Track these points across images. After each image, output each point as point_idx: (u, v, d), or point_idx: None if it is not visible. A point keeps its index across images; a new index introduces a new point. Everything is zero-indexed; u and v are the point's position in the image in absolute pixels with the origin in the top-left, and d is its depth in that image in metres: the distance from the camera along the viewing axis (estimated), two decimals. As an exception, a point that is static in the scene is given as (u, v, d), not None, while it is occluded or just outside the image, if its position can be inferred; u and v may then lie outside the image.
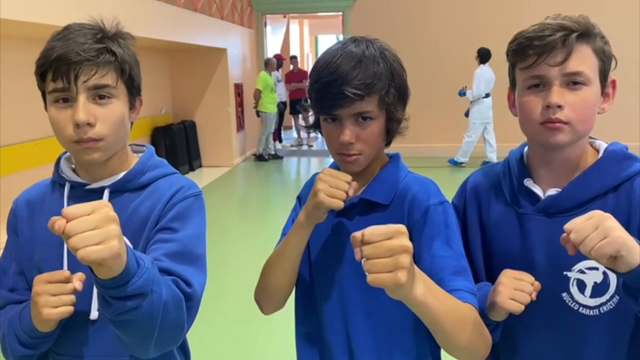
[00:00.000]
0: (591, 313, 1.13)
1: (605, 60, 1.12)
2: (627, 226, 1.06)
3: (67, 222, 0.85)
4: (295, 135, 12.41)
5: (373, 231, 0.89)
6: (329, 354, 1.22)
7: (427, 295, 0.96)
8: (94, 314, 1.14)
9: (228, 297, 3.95)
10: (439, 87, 8.79)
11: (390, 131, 1.19)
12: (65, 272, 1.07)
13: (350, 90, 1.09)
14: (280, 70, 10.97)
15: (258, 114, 9.83)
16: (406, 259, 0.88)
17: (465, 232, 1.26)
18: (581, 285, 1.13)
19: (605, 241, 0.92)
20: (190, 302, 1.08)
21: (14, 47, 5.15)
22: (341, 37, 13.21)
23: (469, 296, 1.07)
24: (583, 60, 1.09)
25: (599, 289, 1.12)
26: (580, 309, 1.13)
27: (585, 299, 1.13)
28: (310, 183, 1.23)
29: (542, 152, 1.17)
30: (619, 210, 1.10)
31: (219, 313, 3.74)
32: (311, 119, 1.24)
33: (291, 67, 12.25)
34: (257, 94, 9.61)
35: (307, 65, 15.73)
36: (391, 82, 1.14)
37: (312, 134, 12.20)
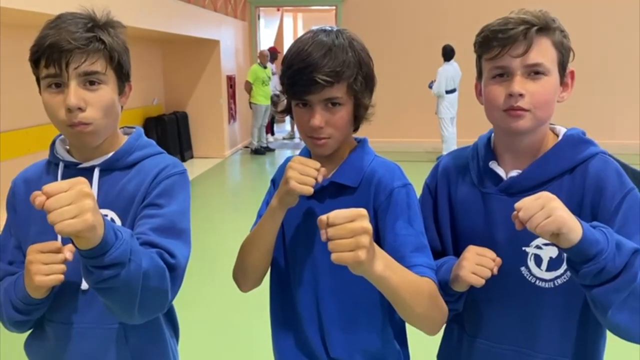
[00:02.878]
0: (547, 285, 1.20)
1: (563, 52, 1.19)
2: (581, 205, 1.16)
3: (47, 198, 0.93)
4: (288, 128, 12.45)
5: (337, 214, 0.97)
6: (301, 328, 1.30)
7: (385, 270, 1.04)
8: (85, 285, 1.21)
9: (216, 284, 4.02)
10: (428, 79, 8.89)
11: (358, 117, 1.25)
12: (56, 243, 1.13)
13: (321, 77, 1.15)
14: (274, 63, 10.98)
15: (251, 105, 9.88)
16: (366, 239, 0.97)
17: (435, 210, 1.34)
18: (538, 260, 1.20)
19: (549, 220, 0.99)
20: (174, 272, 1.14)
21: (14, 35, 5.18)
22: (334, 31, 13.25)
23: (427, 270, 1.16)
24: (543, 52, 1.16)
25: (554, 264, 1.19)
26: (537, 282, 1.21)
27: (541, 272, 1.20)
28: (284, 167, 1.29)
29: (506, 137, 1.24)
30: (574, 190, 1.18)
31: (210, 301, 3.82)
32: (283, 104, 1.31)
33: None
34: (248, 86, 9.66)
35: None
36: (359, 70, 1.20)
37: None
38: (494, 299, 1.25)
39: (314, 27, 1.26)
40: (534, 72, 1.16)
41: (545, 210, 1.00)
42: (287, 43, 14.85)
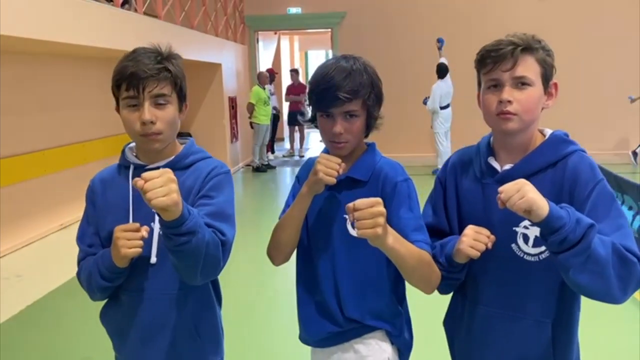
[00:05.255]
0: (533, 259, 1.43)
1: (546, 67, 1.43)
2: (561, 192, 1.40)
3: (144, 182, 1.25)
4: (287, 146, 12.79)
5: (361, 202, 1.29)
6: (321, 295, 1.59)
7: (395, 243, 1.37)
8: (153, 259, 1.51)
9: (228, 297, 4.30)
10: (421, 98, 9.22)
11: (369, 126, 1.57)
12: (136, 224, 1.45)
13: (342, 94, 1.47)
14: (272, 83, 11.32)
15: (252, 125, 10.22)
16: (382, 220, 1.29)
17: (445, 198, 1.59)
18: (526, 238, 1.44)
19: (522, 200, 1.24)
20: (224, 246, 1.43)
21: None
22: (330, 52, 13.71)
23: (425, 245, 1.48)
24: (527, 67, 1.40)
25: (539, 241, 1.40)
26: (525, 256, 1.44)
27: (528, 248, 1.43)
28: (307, 165, 1.63)
29: (501, 137, 1.48)
30: (555, 180, 1.41)
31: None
32: (309, 115, 1.62)
33: (291, 80, 12.46)
34: (251, 107, 10.00)
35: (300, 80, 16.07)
36: (372, 89, 1.52)
37: (304, 146, 12.61)
38: (490, 271, 1.49)
39: (334, 57, 1.60)
40: (520, 83, 1.40)
41: (520, 193, 1.24)
42: (284, 64, 15.25)
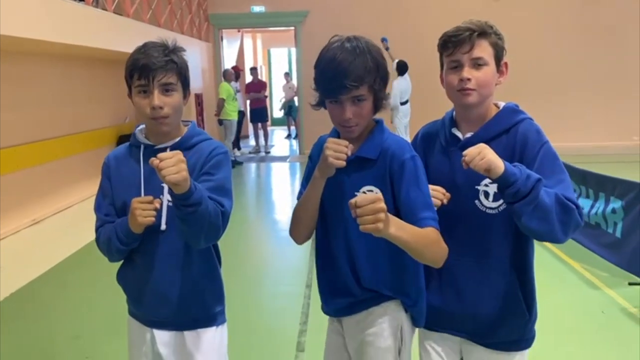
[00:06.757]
0: (493, 212, 1.64)
1: (498, 49, 1.63)
2: (513, 153, 1.60)
3: (160, 161, 1.48)
4: (252, 143, 12.97)
5: (362, 199, 1.34)
6: (337, 266, 1.69)
7: (397, 231, 1.41)
8: (163, 226, 1.73)
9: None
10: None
11: (377, 106, 1.62)
12: (150, 197, 1.68)
13: (349, 83, 1.51)
14: (238, 81, 11.50)
15: (221, 122, 10.35)
16: (382, 215, 1.33)
17: None
18: (486, 194, 1.64)
19: (482, 161, 1.45)
20: (224, 216, 1.66)
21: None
22: (293, 50, 13.87)
23: (432, 222, 1.54)
24: (482, 49, 1.61)
25: (497, 196, 1.62)
26: (486, 210, 1.65)
27: (489, 202, 1.64)
28: (318, 144, 1.72)
29: (462, 111, 1.69)
30: (509, 144, 1.62)
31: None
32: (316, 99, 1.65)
33: (251, 78, 12.68)
34: (221, 103, 10.13)
35: (262, 77, 16.20)
36: (377, 73, 1.56)
37: (269, 142, 12.81)
38: (458, 225, 1.67)
39: (337, 37, 1.60)
40: (477, 63, 1.61)
41: (480, 155, 1.46)
42: (248, 61, 15.39)
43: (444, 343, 1.78)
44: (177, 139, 1.77)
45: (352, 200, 1.34)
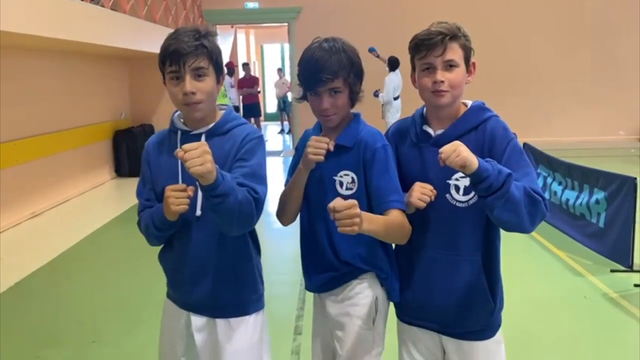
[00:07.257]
0: (463, 206, 1.70)
1: (467, 51, 1.69)
2: (482, 149, 1.65)
3: (185, 153, 1.46)
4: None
5: (340, 205, 1.47)
6: (318, 243, 1.83)
7: (369, 225, 1.56)
8: (198, 212, 1.73)
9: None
10: (373, 90, 9.67)
11: (352, 99, 1.78)
12: (183, 185, 1.64)
13: (325, 76, 1.69)
14: (233, 77, 11.58)
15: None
16: (357, 219, 1.49)
17: None
18: (457, 188, 1.70)
19: (458, 157, 1.48)
20: (257, 204, 1.63)
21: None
22: (287, 46, 13.97)
23: (399, 204, 1.69)
24: (453, 52, 1.66)
25: (468, 190, 1.68)
26: (457, 203, 1.70)
27: (460, 196, 1.70)
28: (304, 137, 1.87)
29: (433, 110, 1.75)
30: (477, 141, 1.68)
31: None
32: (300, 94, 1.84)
33: (243, 73, 12.74)
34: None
35: (255, 73, 16.22)
36: (351, 68, 1.73)
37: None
38: (431, 219, 1.74)
39: (317, 39, 1.78)
40: (449, 65, 1.66)
41: (456, 152, 1.49)
42: (241, 57, 15.45)
43: (423, 337, 1.84)
44: (211, 125, 1.76)
45: (331, 205, 1.47)
